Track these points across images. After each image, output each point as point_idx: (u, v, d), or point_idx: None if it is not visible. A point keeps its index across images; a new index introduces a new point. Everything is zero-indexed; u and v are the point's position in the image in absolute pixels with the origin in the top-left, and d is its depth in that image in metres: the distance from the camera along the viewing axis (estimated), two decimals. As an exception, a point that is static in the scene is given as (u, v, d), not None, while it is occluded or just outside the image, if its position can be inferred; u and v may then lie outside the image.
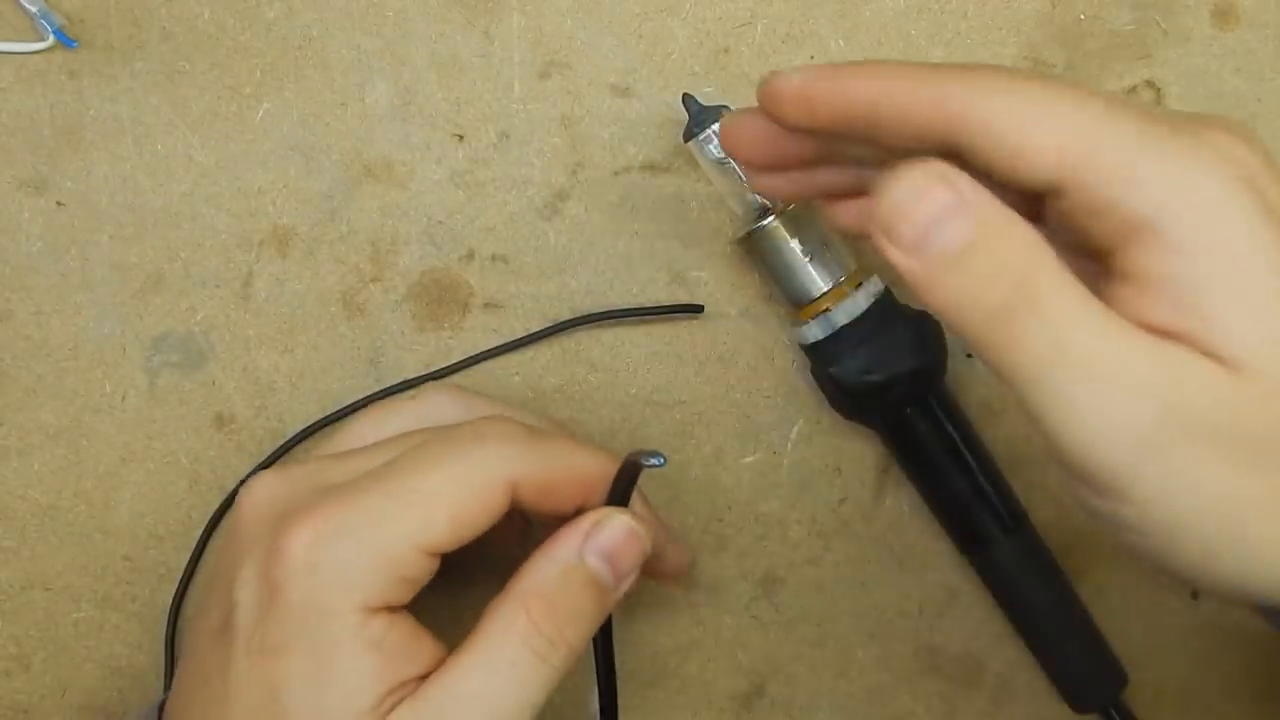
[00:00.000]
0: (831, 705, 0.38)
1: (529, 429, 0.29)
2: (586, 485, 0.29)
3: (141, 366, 0.36)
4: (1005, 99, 0.24)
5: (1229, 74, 0.37)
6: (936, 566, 0.38)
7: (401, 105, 0.36)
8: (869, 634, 0.38)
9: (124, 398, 0.36)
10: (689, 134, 0.34)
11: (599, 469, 0.30)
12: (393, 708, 0.27)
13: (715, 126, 0.34)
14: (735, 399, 0.37)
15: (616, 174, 0.37)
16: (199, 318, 0.36)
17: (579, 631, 0.28)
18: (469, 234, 0.37)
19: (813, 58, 0.36)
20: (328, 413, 0.36)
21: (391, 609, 0.27)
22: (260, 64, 0.36)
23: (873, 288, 0.34)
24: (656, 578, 0.35)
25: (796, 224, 0.34)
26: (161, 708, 0.30)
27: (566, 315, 0.37)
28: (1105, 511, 0.25)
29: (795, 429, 0.37)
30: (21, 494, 0.36)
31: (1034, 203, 0.25)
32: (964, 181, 0.24)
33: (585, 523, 0.28)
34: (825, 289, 0.34)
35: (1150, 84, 0.37)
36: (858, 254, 0.35)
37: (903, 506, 0.37)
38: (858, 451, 0.37)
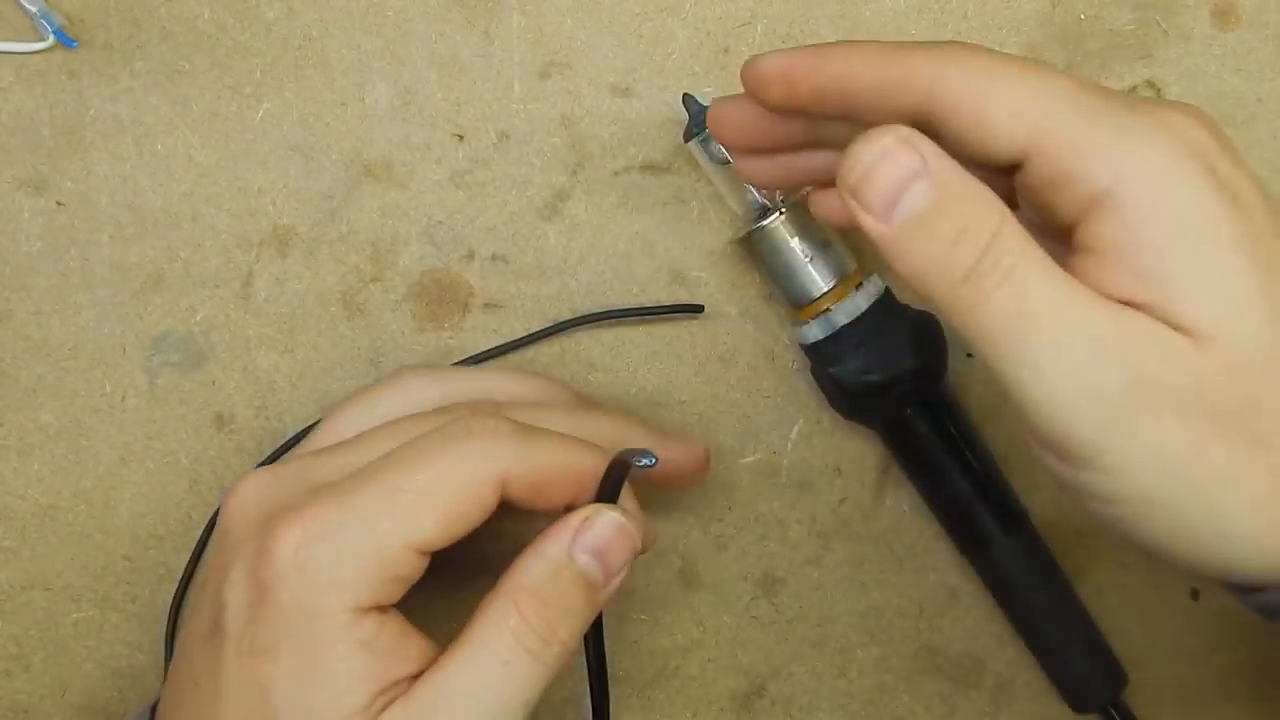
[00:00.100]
0: (831, 705, 0.38)
1: (518, 425, 0.29)
2: (577, 481, 0.29)
3: (141, 366, 0.36)
4: (972, 73, 0.25)
5: (1229, 74, 0.37)
6: (936, 566, 0.38)
7: (401, 105, 0.36)
8: (869, 634, 0.38)
9: (124, 398, 0.36)
10: (689, 134, 0.34)
11: (590, 465, 0.30)
12: (384, 707, 0.27)
13: (715, 126, 0.34)
14: (735, 399, 0.37)
15: (616, 174, 0.37)
16: (199, 318, 0.36)
17: (570, 628, 0.28)
18: (469, 234, 0.37)
19: (813, 58, 0.36)
20: (327, 413, 0.36)
21: (382, 608, 0.27)
22: (260, 64, 0.36)
23: (873, 288, 0.34)
24: (675, 484, 0.34)
25: (797, 224, 0.34)
26: (154, 709, 0.30)
27: (566, 315, 0.37)
28: (1072, 480, 0.25)
29: (795, 429, 0.37)
30: (21, 494, 0.36)
31: (1004, 181, 0.26)
32: (927, 145, 0.24)
33: (575, 520, 0.28)
34: (825, 289, 0.34)
35: (1150, 84, 0.37)
36: (858, 254, 0.35)
37: (903, 506, 0.37)
38: (858, 451, 0.37)
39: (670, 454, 0.33)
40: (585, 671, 0.31)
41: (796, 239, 0.34)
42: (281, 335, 0.36)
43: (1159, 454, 0.24)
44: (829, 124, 0.29)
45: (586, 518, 0.28)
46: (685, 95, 0.34)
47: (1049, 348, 0.24)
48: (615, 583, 0.29)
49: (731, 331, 0.37)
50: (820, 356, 0.35)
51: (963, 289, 0.24)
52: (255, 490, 0.29)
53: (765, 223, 0.34)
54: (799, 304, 0.35)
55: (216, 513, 0.36)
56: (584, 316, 0.37)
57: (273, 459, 0.36)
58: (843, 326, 0.34)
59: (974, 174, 0.25)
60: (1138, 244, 0.24)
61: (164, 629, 0.36)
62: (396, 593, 0.28)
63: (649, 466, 0.30)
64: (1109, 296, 0.24)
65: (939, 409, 0.35)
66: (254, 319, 0.36)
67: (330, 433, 0.32)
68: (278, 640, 0.27)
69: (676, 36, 0.36)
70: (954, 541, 0.37)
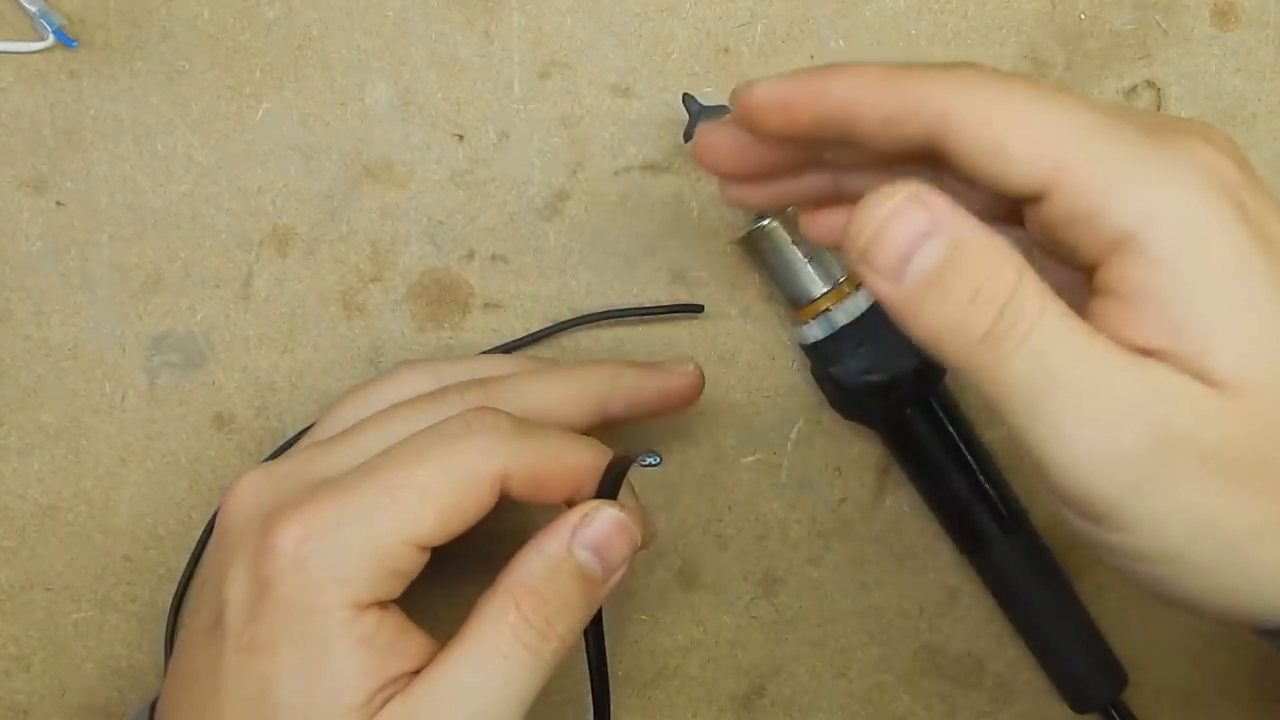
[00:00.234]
0: (831, 705, 0.38)
1: (517, 421, 0.29)
2: (576, 476, 0.29)
3: (141, 366, 0.36)
4: (988, 102, 0.24)
5: (1229, 74, 0.37)
6: (936, 566, 0.38)
7: (401, 105, 0.36)
8: (869, 634, 0.38)
9: (124, 398, 0.36)
10: (689, 134, 0.34)
11: (588, 460, 0.30)
12: (384, 704, 0.27)
13: (715, 126, 0.34)
14: (735, 399, 0.37)
15: (616, 174, 0.37)
16: (199, 318, 0.36)
17: (569, 624, 0.28)
18: (469, 234, 0.37)
19: (813, 58, 0.36)
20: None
21: (382, 605, 0.28)
22: (260, 64, 0.36)
23: (873, 288, 0.34)
24: (674, 408, 0.34)
25: (796, 224, 0.34)
26: (154, 707, 0.30)
27: (566, 315, 0.37)
28: (1099, 539, 0.24)
29: (795, 429, 0.37)
30: (21, 494, 0.36)
31: (1014, 207, 0.25)
32: (938, 201, 0.23)
33: (574, 516, 0.28)
34: (825, 289, 0.34)
35: (1150, 84, 0.37)
36: (858, 254, 0.35)
37: (903, 506, 0.37)
38: (858, 451, 0.37)
39: (662, 381, 0.33)
40: (586, 671, 0.31)
41: (796, 239, 0.34)
42: (281, 335, 0.36)
43: (1187, 511, 0.23)
44: (826, 145, 0.28)
45: (586, 514, 0.28)
46: (685, 95, 0.34)
47: (1071, 408, 0.23)
48: (615, 578, 0.29)
49: (731, 331, 0.37)
50: (820, 356, 0.35)
51: (981, 350, 0.23)
52: (255, 487, 0.29)
53: (765, 223, 0.34)
54: (799, 304, 0.35)
55: (217, 513, 0.36)
56: (584, 316, 0.37)
57: (273, 459, 0.36)
58: (843, 326, 0.34)
59: (983, 200, 0.24)
60: (1165, 290, 0.23)
61: (164, 629, 0.36)
62: (396, 589, 0.28)
63: (654, 466, 0.30)
64: (1132, 344, 0.23)
65: (939, 409, 0.35)
66: (254, 319, 0.36)
67: (328, 429, 0.32)
68: (278, 636, 0.27)
69: (676, 36, 0.36)
70: (954, 541, 0.37)
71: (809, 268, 0.34)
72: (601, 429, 0.33)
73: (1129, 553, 0.24)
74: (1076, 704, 0.37)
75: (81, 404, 0.36)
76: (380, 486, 0.27)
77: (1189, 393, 0.23)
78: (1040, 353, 0.23)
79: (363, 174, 0.36)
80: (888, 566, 0.38)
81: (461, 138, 0.36)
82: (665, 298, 0.37)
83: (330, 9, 0.36)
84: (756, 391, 0.37)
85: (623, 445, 0.31)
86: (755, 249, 0.35)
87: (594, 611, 0.29)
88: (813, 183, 0.29)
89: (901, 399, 0.34)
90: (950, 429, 0.35)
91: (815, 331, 0.34)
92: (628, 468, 0.30)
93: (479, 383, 0.32)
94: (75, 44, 0.35)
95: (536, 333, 0.36)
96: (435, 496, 0.27)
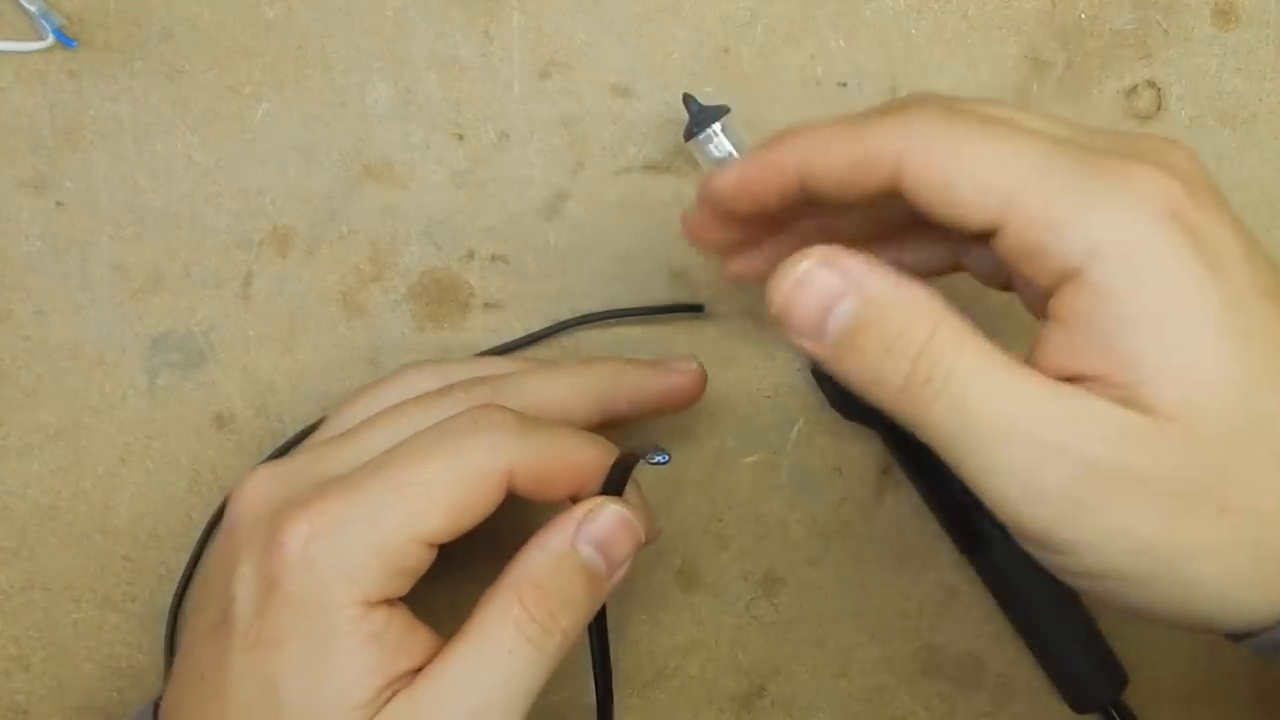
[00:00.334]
0: (831, 705, 0.38)
1: (522, 418, 0.29)
2: (582, 473, 0.30)
3: (141, 366, 0.36)
4: (936, 146, 0.25)
5: (1229, 74, 0.37)
6: (936, 566, 0.38)
7: (401, 105, 0.36)
8: (869, 634, 0.38)
9: (124, 398, 0.36)
10: (689, 134, 0.34)
11: (594, 456, 0.30)
12: (388, 700, 0.27)
13: (716, 126, 0.34)
14: (735, 399, 0.37)
15: (616, 174, 0.37)
16: (199, 318, 0.36)
17: (572, 619, 0.28)
18: (469, 234, 0.37)
19: (813, 58, 0.36)
20: (328, 413, 0.36)
21: (389, 602, 0.28)
22: (260, 64, 0.36)
23: (873, 288, 0.34)
24: (676, 407, 0.35)
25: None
26: (158, 705, 0.30)
27: (567, 315, 0.37)
28: (1045, 560, 0.25)
29: (795, 429, 0.37)
30: (21, 494, 0.36)
31: (984, 239, 0.26)
32: (851, 262, 0.24)
33: (578, 511, 0.29)
34: (825, 289, 0.34)
35: (1150, 84, 0.37)
36: (858, 254, 0.35)
37: (903, 506, 0.37)
38: (858, 452, 0.37)
39: (665, 380, 0.34)
40: (588, 670, 0.31)
41: (796, 239, 0.34)
42: (281, 335, 0.36)
43: (1125, 535, 0.24)
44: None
45: (590, 509, 0.29)
46: (685, 95, 0.34)
47: (993, 450, 0.24)
48: (619, 574, 0.29)
49: (731, 331, 0.37)
50: (820, 356, 0.35)
51: (904, 399, 0.24)
52: (263, 485, 0.29)
53: (765, 223, 0.34)
54: (799, 304, 0.35)
55: (217, 513, 0.36)
56: (584, 316, 0.37)
57: (274, 459, 0.36)
58: (843, 326, 0.34)
59: (949, 237, 0.25)
60: (1107, 322, 0.23)
61: (164, 629, 0.36)
62: (404, 586, 0.28)
63: (662, 464, 0.30)
64: (1073, 371, 0.24)
65: (939, 409, 0.35)
66: (254, 319, 0.36)
67: (335, 428, 0.32)
68: (286, 633, 0.27)
69: (676, 36, 0.36)
70: (954, 541, 0.37)
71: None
72: (605, 428, 0.33)
73: (1075, 572, 0.25)
74: (1076, 704, 0.37)
75: (81, 404, 0.36)
76: (387, 484, 0.27)
77: (1119, 421, 0.23)
78: (958, 399, 0.24)
79: (363, 174, 0.36)
80: (888, 566, 0.38)
81: (461, 138, 0.36)
82: (665, 298, 0.37)
83: (330, 9, 0.36)
84: (756, 391, 0.37)
85: (626, 444, 0.31)
86: (755, 249, 0.35)
87: (598, 607, 0.29)
88: (817, 224, 0.31)
89: (901, 399, 0.34)
90: (950, 429, 0.35)
91: (815, 331, 0.34)
92: (634, 464, 0.30)
93: (484, 380, 0.32)
94: (75, 44, 0.35)
95: (536, 333, 0.36)
96: (442, 493, 0.27)
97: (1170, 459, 0.23)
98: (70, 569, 0.36)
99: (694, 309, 0.37)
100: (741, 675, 0.38)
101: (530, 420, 0.29)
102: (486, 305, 0.37)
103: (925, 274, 0.30)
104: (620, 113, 0.37)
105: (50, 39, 0.35)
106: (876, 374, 0.24)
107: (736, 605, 0.37)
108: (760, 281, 0.30)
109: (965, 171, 0.24)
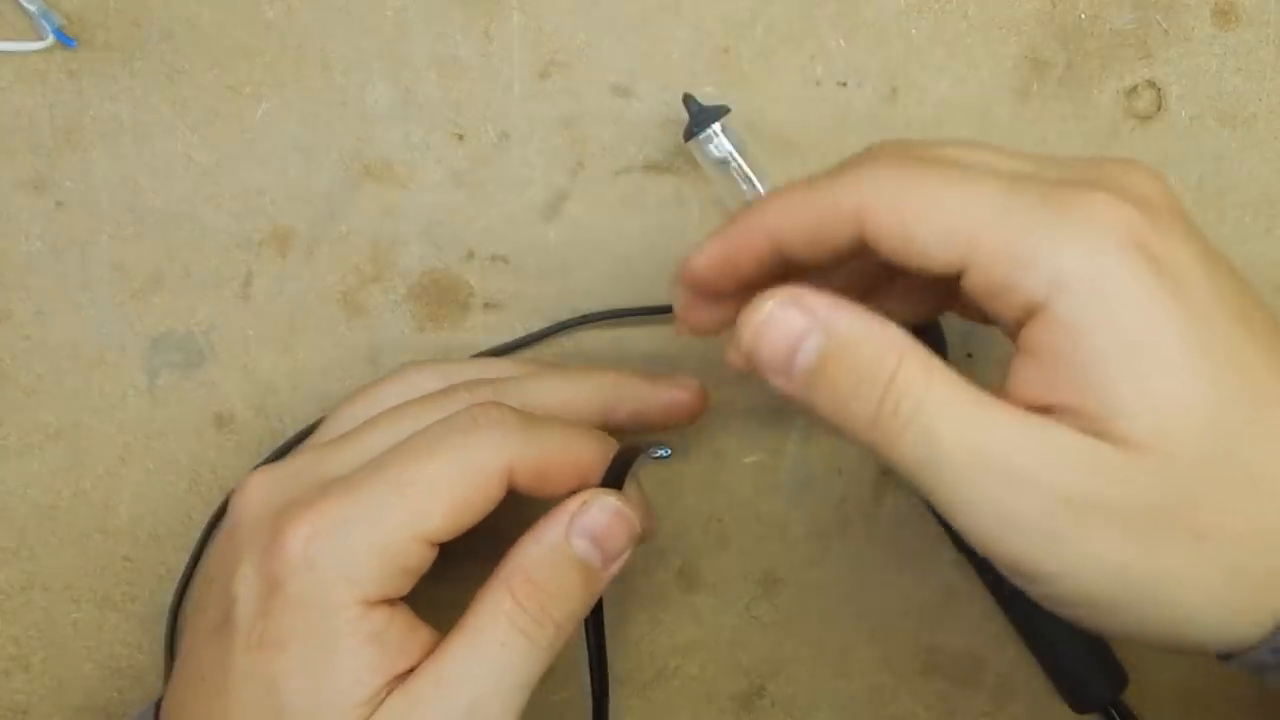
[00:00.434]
0: (831, 705, 0.38)
1: (522, 414, 0.29)
2: (582, 469, 0.30)
3: (141, 366, 0.36)
4: (895, 196, 0.25)
5: (1229, 74, 0.37)
6: (936, 566, 0.38)
7: (401, 105, 0.36)
8: (869, 634, 0.38)
9: (124, 398, 0.36)
10: (689, 134, 0.34)
11: (594, 452, 0.30)
12: (384, 699, 0.27)
13: (715, 126, 0.34)
14: (735, 399, 0.37)
15: (616, 174, 0.37)
16: (199, 318, 0.36)
17: (566, 612, 0.28)
18: (469, 234, 0.37)
19: (813, 58, 0.36)
20: (328, 413, 0.36)
21: (390, 601, 0.28)
22: (260, 64, 0.36)
23: (873, 288, 0.34)
24: (677, 423, 0.35)
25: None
26: (159, 706, 0.30)
27: (567, 315, 0.37)
28: (1023, 586, 0.25)
29: (795, 429, 0.37)
30: (21, 494, 0.36)
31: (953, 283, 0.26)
32: (815, 300, 0.25)
33: (572, 504, 0.29)
34: (825, 289, 0.34)
35: (1150, 84, 0.37)
36: (858, 254, 0.35)
37: (902, 507, 0.37)
38: (858, 452, 0.37)
39: (667, 395, 0.34)
40: (587, 672, 0.31)
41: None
42: (281, 335, 0.36)
43: (1099, 564, 0.24)
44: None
45: (584, 502, 0.29)
46: (685, 95, 0.34)
47: (965, 483, 0.24)
48: (615, 567, 0.29)
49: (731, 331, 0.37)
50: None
51: (875, 433, 0.25)
52: (264, 486, 0.30)
53: (765, 223, 0.34)
54: (799, 304, 0.35)
55: (217, 513, 0.36)
56: (584, 316, 0.37)
57: (274, 459, 0.36)
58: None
59: (921, 282, 0.25)
60: (1076, 354, 0.24)
61: (164, 629, 0.36)
62: (405, 585, 0.28)
63: (664, 459, 0.30)
64: (1044, 403, 0.24)
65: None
66: (254, 319, 0.36)
67: (335, 428, 0.32)
68: (287, 634, 0.27)
69: (676, 36, 0.36)
70: (954, 541, 0.37)
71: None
72: None
73: (1056, 600, 0.25)
74: (1076, 704, 0.37)
75: (81, 404, 0.36)
76: (388, 483, 0.28)
77: (1090, 452, 0.23)
78: (927, 433, 0.24)
79: (363, 174, 0.36)
80: (888, 566, 0.38)
81: (461, 138, 0.36)
82: (665, 298, 0.37)
83: (330, 9, 0.36)
84: (756, 391, 0.37)
85: (627, 440, 0.31)
86: (755, 249, 0.35)
87: (594, 600, 0.29)
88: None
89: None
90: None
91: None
92: (634, 459, 0.30)
93: (486, 381, 0.32)
94: (75, 44, 0.35)
95: (536, 333, 0.36)
96: (443, 491, 0.28)
97: (1144, 488, 0.23)
98: (70, 569, 0.36)
99: (694, 309, 0.37)
100: (741, 675, 0.38)
101: (530, 417, 0.29)
102: (486, 305, 0.37)
103: (916, 319, 0.30)
104: (620, 113, 0.37)
105: (50, 39, 0.35)
106: (846, 408, 0.25)
107: (736, 605, 0.37)
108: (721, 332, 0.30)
109: (924, 217, 0.25)
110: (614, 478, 0.29)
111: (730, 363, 0.27)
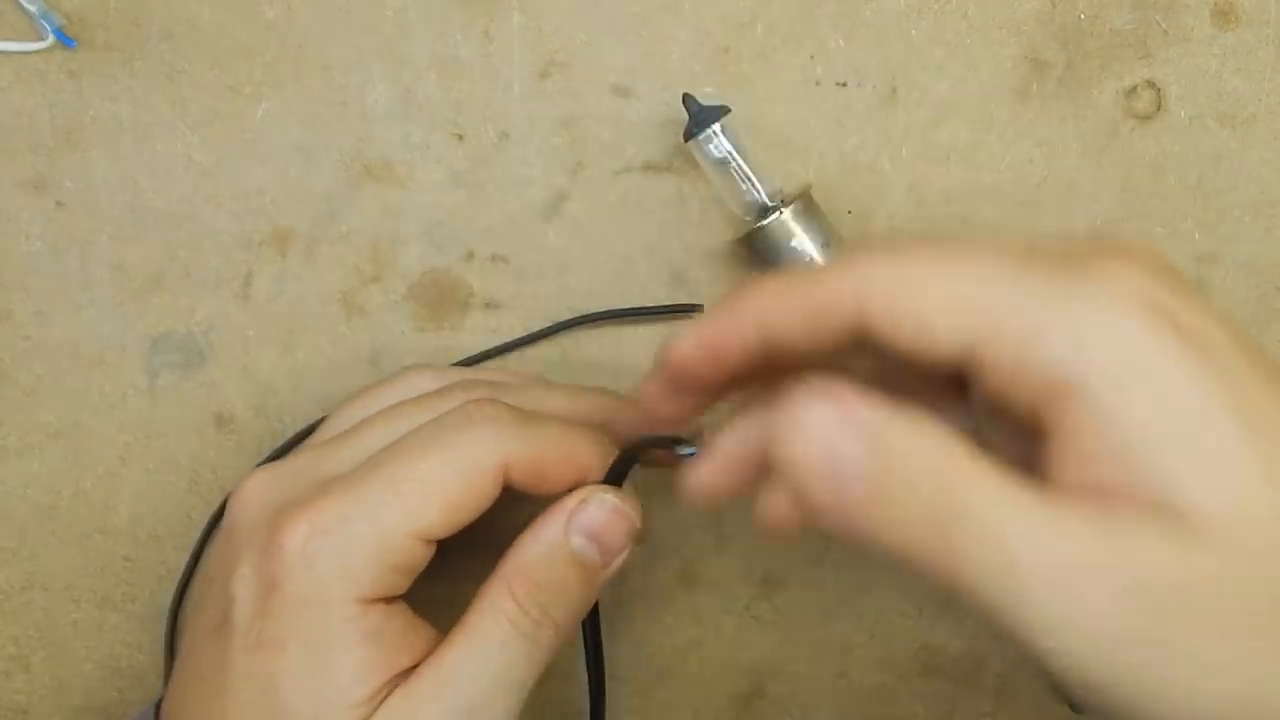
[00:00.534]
0: (831, 705, 0.38)
1: (518, 411, 0.29)
2: (579, 466, 0.30)
3: (141, 366, 0.36)
4: (899, 282, 0.23)
5: (1229, 74, 0.37)
6: (936, 566, 0.38)
7: (401, 105, 0.36)
8: (869, 634, 0.38)
9: (124, 398, 0.36)
10: (689, 134, 0.34)
11: (591, 450, 0.30)
12: (386, 697, 0.27)
13: (715, 126, 0.34)
14: (735, 399, 0.37)
15: (616, 174, 0.37)
16: (199, 318, 0.36)
17: (566, 610, 0.28)
18: (469, 234, 0.37)
19: (812, 58, 0.36)
20: (328, 413, 0.36)
21: (388, 600, 0.28)
22: (260, 64, 0.36)
23: (873, 288, 0.34)
24: (665, 461, 0.33)
25: (797, 223, 0.34)
26: (159, 706, 0.30)
27: (566, 315, 0.37)
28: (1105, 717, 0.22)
29: (795, 429, 0.37)
30: (21, 494, 0.36)
31: (957, 376, 0.24)
32: (852, 397, 0.22)
33: (570, 502, 0.29)
34: (825, 289, 0.34)
35: (1150, 84, 0.37)
36: (858, 254, 0.35)
37: (903, 506, 0.37)
38: (858, 451, 0.37)
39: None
40: (584, 672, 0.31)
41: (796, 239, 0.34)
42: (281, 335, 0.36)
43: (1205, 676, 0.21)
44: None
45: (582, 499, 0.29)
46: (685, 95, 0.34)
47: (1026, 579, 0.21)
48: (614, 565, 0.29)
49: (731, 331, 0.37)
50: (820, 356, 0.35)
51: (934, 548, 0.21)
52: (261, 486, 0.30)
53: (765, 222, 0.34)
54: (799, 304, 0.35)
55: (217, 513, 0.36)
56: (584, 316, 0.37)
57: (274, 459, 0.36)
58: (843, 326, 0.34)
59: (928, 376, 0.23)
60: (1113, 430, 0.21)
61: (164, 629, 0.36)
62: (403, 583, 0.28)
63: (689, 455, 0.29)
64: (1089, 484, 0.22)
65: (939, 409, 0.35)
66: (254, 319, 0.36)
67: (334, 429, 0.32)
68: (285, 633, 0.27)
69: (676, 36, 0.36)
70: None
71: (809, 268, 0.34)
72: None
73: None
74: (1076, 704, 0.37)
75: (81, 404, 0.36)
76: (384, 481, 0.28)
77: (1156, 538, 0.21)
78: (994, 536, 0.21)
79: (363, 174, 0.36)
80: (888, 566, 0.38)
81: (461, 138, 0.36)
82: (665, 298, 0.37)
83: (330, 9, 0.36)
84: (756, 391, 0.37)
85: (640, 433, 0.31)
86: (755, 249, 0.35)
87: (593, 598, 0.29)
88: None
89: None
90: (950, 429, 0.35)
91: (815, 331, 0.34)
92: (637, 457, 0.30)
93: (484, 381, 0.32)
94: (75, 44, 0.35)
95: (536, 333, 0.36)
96: (438, 488, 0.28)
97: (1229, 578, 0.21)
98: (70, 569, 0.36)
99: (693, 309, 0.37)
100: (741, 675, 0.38)
101: (525, 414, 0.29)
102: (486, 305, 0.37)
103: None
104: (620, 113, 0.37)
105: (50, 39, 0.35)
106: (897, 523, 0.22)
107: (736, 605, 0.37)
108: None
109: (933, 303, 0.23)
110: (615, 474, 0.29)
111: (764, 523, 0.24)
